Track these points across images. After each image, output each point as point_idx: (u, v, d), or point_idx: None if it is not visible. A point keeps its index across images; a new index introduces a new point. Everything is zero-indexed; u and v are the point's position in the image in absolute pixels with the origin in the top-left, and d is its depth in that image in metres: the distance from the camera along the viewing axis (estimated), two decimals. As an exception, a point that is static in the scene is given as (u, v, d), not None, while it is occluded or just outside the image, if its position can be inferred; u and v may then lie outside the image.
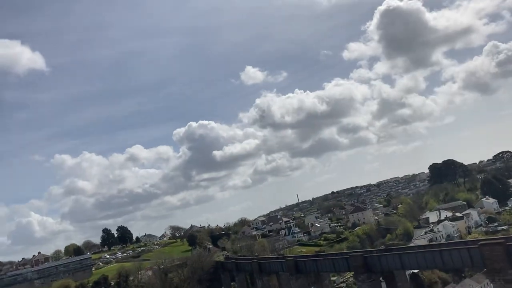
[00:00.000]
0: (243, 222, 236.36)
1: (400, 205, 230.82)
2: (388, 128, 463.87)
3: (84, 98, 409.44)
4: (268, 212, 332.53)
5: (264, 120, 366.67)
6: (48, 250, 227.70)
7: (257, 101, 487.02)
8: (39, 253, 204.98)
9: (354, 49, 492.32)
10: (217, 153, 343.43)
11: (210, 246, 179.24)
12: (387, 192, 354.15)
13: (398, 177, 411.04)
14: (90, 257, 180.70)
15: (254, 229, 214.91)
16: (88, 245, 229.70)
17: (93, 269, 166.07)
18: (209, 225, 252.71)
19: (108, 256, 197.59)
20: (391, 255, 71.74)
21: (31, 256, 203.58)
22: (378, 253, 76.78)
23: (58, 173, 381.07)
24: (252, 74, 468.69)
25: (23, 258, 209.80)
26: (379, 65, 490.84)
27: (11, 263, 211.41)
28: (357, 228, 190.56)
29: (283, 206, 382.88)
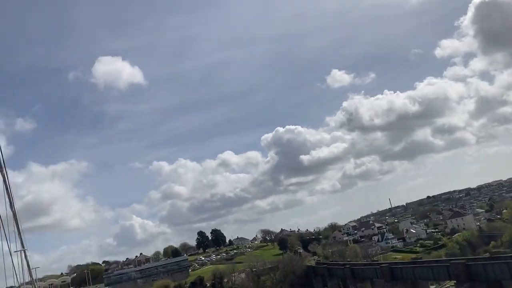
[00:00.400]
0: (333, 227, 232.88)
1: (505, 210, 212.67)
2: (488, 127, 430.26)
3: (179, 108, 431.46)
4: (359, 217, 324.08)
5: (352, 123, 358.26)
6: (148, 251, 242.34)
7: (344, 104, 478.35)
8: (140, 254, 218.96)
9: (447, 46, 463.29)
10: (304, 158, 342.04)
11: (301, 251, 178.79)
12: (489, 196, 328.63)
13: (502, 180, 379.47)
14: (187, 259, 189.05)
15: (345, 235, 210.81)
16: (185, 247, 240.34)
17: (190, 270, 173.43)
18: (299, 229, 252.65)
19: (203, 258, 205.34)
20: (498, 263, 66.41)
21: (134, 257, 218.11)
22: (482, 261, 71.48)
23: (156, 178, 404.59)
24: (339, 77, 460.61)
25: (127, 258, 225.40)
26: (475, 62, 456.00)
27: (116, 262, 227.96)
28: (457, 234, 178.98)
29: (374, 211, 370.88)
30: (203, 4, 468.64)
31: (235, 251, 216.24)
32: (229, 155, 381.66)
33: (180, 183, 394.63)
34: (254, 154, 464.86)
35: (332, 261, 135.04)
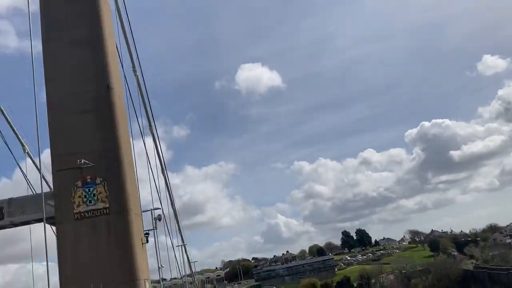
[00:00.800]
0: (493, 228, 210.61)
1: None
2: None
3: (317, 107, 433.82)
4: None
5: (510, 113, 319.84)
6: (294, 249, 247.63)
7: (500, 92, 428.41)
8: (287, 252, 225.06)
9: None
10: (454, 153, 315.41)
11: (455, 253, 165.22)
12: None
13: None
14: (332, 258, 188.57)
15: (508, 237, 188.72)
16: (330, 247, 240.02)
17: (336, 269, 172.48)
18: (451, 230, 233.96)
19: (348, 258, 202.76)
20: None
21: (280, 254, 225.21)
22: None
23: (298, 178, 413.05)
24: (491, 63, 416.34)
25: (274, 256, 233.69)
26: None
27: (265, 259, 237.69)
28: None
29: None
30: (337, 3, 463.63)
31: (381, 251, 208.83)
32: (370, 153, 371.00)
33: (321, 182, 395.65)
34: (397, 151, 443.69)
35: (493, 265, 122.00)
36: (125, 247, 20.54)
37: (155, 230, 29.32)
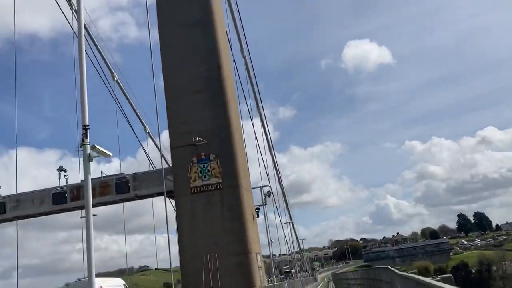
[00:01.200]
0: None
1: None
2: None
3: (429, 84, 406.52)
4: None
5: None
6: (404, 231, 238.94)
7: None
8: (397, 233, 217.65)
9: None
10: None
11: None
12: None
13: None
14: (447, 242, 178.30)
15: None
16: (444, 230, 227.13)
17: (451, 254, 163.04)
18: None
19: (465, 242, 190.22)
20: None
21: (390, 236, 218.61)
22: None
23: (409, 158, 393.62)
24: None
25: (384, 237, 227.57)
26: None
27: (373, 240, 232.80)
28: None
29: None
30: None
31: (504, 237, 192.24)
32: (491, 131, 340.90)
33: (435, 162, 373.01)
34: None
35: None
36: (237, 220, 21.34)
37: (264, 206, 30.13)
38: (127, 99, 31.54)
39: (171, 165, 23.29)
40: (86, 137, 10.22)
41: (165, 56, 24.05)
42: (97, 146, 10.40)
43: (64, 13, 25.29)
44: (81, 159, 10.73)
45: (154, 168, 26.21)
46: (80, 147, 10.38)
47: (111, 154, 10.98)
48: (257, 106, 43.24)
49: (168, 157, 23.98)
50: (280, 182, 53.50)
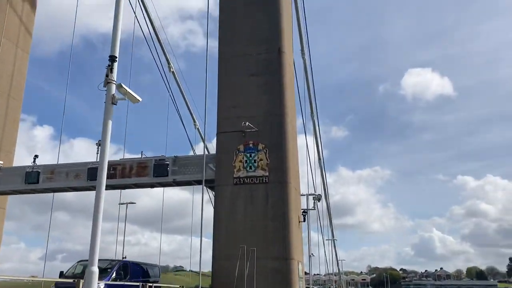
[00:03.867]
0: None
1: None
2: None
3: (489, 120, 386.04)
4: None
5: None
6: (448, 267, 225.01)
7: None
8: (441, 268, 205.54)
9: None
10: None
11: None
12: None
13: None
14: (496, 285, 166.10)
15: None
16: (492, 272, 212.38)
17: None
18: None
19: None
20: None
21: (433, 270, 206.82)
22: None
23: (460, 193, 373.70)
24: None
25: (425, 270, 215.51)
26: None
27: (414, 272, 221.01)
28: None
29: None
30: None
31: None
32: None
33: (488, 201, 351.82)
34: None
35: None
36: (281, 220, 18.66)
37: (308, 213, 27.13)
38: (180, 90, 30.19)
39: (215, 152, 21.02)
40: (112, 72, 8.03)
41: (222, 33, 21.94)
42: (124, 86, 8.23)
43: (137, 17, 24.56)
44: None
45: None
46: (104, 86, 8.24)
47: (140, 99, 8.77)
48: (311, 112, 40.84)
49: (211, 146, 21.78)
50: (326, 199, 50.46)
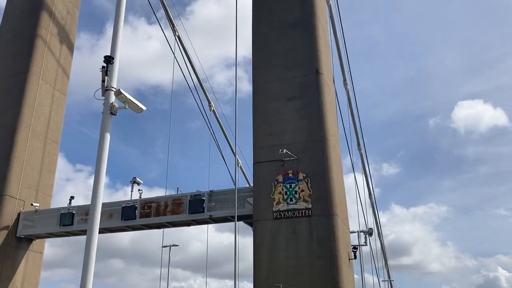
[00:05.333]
0: None
1: None
2: None
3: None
4: None
5: None
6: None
7: None
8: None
9: None
10: None
11: None
12: None
13: None
14: None
15: None
16: None
17: None
18: None
19: None
20: None
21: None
22: None
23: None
24: None
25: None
26: None
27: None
28: None
29: None
30: None
31: None
32: None
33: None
34: None
35: None
36: (329, 258, 16.52)
37: (361, 249, 24.45)
38: (220, 126, 29.64)
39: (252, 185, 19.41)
40: (107, 75, 6.75)
41: (256, 58, 20.82)
42: (124, 92, 6.93)
43: (183, 71, 25.71)
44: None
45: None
46: (102, 95, 6.98)
47: (144, 107, 7.44)
48: (358, 145, 38.71)
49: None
50: (380, 237, 47.16)
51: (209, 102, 29.39)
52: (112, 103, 6.87)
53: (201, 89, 28.07)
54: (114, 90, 6.91)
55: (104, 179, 6.84)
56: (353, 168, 33.55)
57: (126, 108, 7.09)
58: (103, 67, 6.80)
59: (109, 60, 6.79)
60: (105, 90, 6.81)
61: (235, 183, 18.98)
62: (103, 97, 6.88)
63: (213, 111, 29.69)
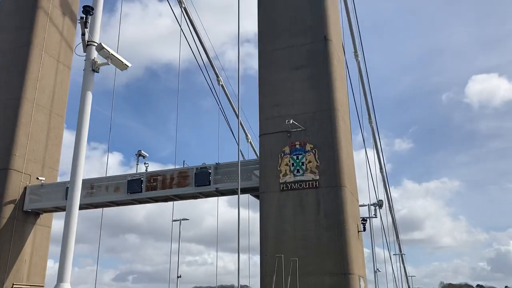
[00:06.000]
0: None
1: None
2: None
3: None
4: None
5: None
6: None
7: None
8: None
9: None
10: None
11: None
12: None
13: None
14: None
15: None
16: None
17: None
18: None
19: None
20: None
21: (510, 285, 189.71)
22: None
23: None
24: None
25: (506, 286, 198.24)
26: None
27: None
28: None
29: None
30: None
31: None
32: None
33: None
34: None
35: None
36: (337, 230, 16.07)
37: (371, 221, 24.01)
38: (228, 100, 29.20)
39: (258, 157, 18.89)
40: (87, 26, 6.18)
41: (262, 26, 20.03)
42: (106, 46, 6.37)
43: (192, 48, 25.37)
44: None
45: (243, 159, 22.01)
46: (84, 51, 6.42)
47: (129, 64, 6.89)
48: (369, 118, 37.83)
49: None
50: (391, 212, 46.63)
51: (218, 76, 28.95)
52: (93, 59, 6.34)
53: (210, 65, 27.76)
54: (96, 44, 6.36)
55: (86, 140, 6.35)
56: (363, 142, 32.87)
57: (109, 65, 6.58)
58: (81, 18, 6.23)
59: (88, 10, 6.21)
60: (86, 45, 6.28)
61: (238, 153, 18.46)
62: (85, 54, 6.35)
63: (222, 85, 29.27)
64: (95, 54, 6.45)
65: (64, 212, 21.75)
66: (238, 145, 18.91)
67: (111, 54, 6.51)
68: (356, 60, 33.48)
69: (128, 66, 6.89)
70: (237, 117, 20.40)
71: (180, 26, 25.94)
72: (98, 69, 6.42)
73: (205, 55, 27.57)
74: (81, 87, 6.31)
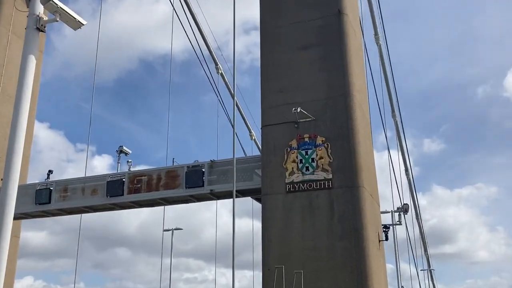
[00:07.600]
0: None
1: None
2: None
3: None
4: None
5: None
6: None
7: None
8: None
9: None
10: None
11: None
12: None
13: None
14: None
15: None
16: None
17: None
18: None
19: None
20: None
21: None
22: None
23: None
24: None
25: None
26: None
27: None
28: None
29: None
30: None
31: None
32: None
33: None
34: None
35: None
36: (353, 239, 15.33)
37: (394, 229, 23.21)
38: (228, 89, 28.74)
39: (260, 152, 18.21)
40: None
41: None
42: (56, 0, 5.70)
43: (190, 38, 24.52)
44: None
45: (244, 155, 21.38)
46: (27, 5, 5.77)
47: (85, 22, 6.22)
48: (392, 111, 37.00)
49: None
50: (419, 222, 45.75)
51: (216, 64, 28.31)
52: (38, 15, 5.68)
53: (209, 55, 27.21)
54: (42, -4, 5.71)
55: (26, 117, 5.68)
56: (386, 140, 31.96)
57: (57, 21, 5.90)
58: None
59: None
60: (31, -4, 5.63)
61: (234, 145, 17.61)
62: (28, 9, 5.69)
63: (221, 74, 28.71)
64: (40, 9, 5.80)
65: (36, 219, 21.18)
66: (234, 130, 18.10)
67: (61, 8, 5.84)
68: (377, 44, 32.56)
69: (82, 24, 6.20)
70: (232, 97, 19.67)
71: (174, 9, 25.14)
72: (45, 27, 5.77)
73: (203, 42, 26.94)
74: (23, 49, 5.66)
